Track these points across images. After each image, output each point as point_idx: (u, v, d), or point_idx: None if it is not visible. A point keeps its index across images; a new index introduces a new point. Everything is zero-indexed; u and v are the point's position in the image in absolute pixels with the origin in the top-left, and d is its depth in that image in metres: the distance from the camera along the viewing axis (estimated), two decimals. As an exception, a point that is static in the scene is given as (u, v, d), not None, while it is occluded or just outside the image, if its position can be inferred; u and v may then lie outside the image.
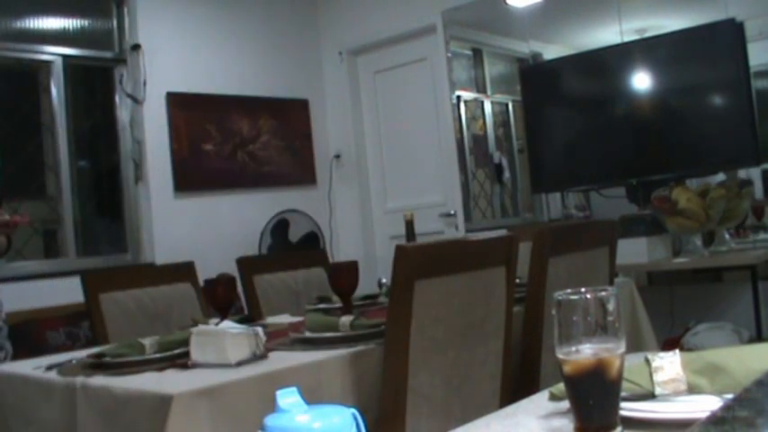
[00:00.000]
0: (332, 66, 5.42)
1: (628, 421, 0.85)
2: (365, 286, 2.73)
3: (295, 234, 4.89)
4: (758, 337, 3.39)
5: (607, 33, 4.21)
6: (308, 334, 1.89)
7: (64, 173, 4.15)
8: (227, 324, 1.87)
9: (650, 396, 0.95)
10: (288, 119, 5.17)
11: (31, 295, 3.75)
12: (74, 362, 1.88)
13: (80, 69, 4.44)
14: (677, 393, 0.96)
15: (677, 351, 1.01)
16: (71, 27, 4.34)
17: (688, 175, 3.89)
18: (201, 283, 2.58)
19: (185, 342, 1.76)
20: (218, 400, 1.48)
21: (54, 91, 4.18)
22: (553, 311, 0.84)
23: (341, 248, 5.27)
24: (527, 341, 2.11)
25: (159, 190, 4.46)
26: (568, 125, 4.38)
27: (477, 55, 5.10)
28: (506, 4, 4.64)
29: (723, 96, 3.77)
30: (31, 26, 4.18)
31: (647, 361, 1.00)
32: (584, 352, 0.81)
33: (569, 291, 0.83)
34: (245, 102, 4.92)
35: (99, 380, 1.64)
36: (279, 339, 1.96)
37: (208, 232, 4.59)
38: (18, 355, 3.19)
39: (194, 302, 2.74)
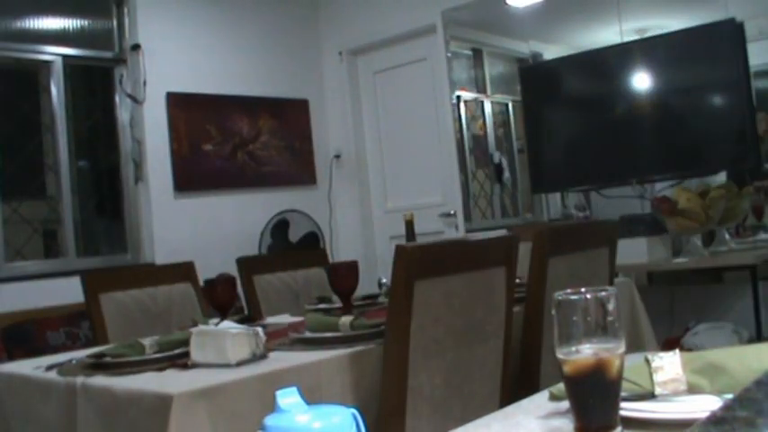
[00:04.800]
0: (332, 66, 5.42)
1: (628, 421, 0.85)
2: (365, 286, 2.73)
3: (295, 234, 4.89)
4: (758, 337, 3.39)
5: (607, 33, 4.22)
6: (308, 334, 1.89)
7: (64, 173, 4.15)
8: (227, 324, 1.87)
9: (650, 396, 0.95)
10: (288, 119, 5.17)
11: (31, 295, 3.75)
12: (74, 362, 1.88)
13: (80, 69, 4.44)
14: (677, 393, 0.96)
15: (677, 351, 1.01)
16: (71, 27, 4.34)
17: (688, 176, 3.89)
18: (201, 283, 2.59)
19: (185, 342, 1.76)
20: (218, 400, 1.48)
21: (54, 91, 4.17)
22: (553, 311, 0.84)
23: (341, 248, 5.27)
24: (527, 341, 2.11)
25: (159, 190, 4.46)
26: (568, 125, 4.38)
27: (477, 55, 5.10)
28: (506, 4, 4.65)
29: (723, 96, 3.77)
30: (31, 26, 4.18)
31: (647, 361, 1.00)
32: (584, 352, 0.81)
33: (569, 291, 0.83)
34: (245, 102, 4.92)
35: (99, 380, 1.64)
36: (279, 339, 1.96)
37: (208, 232, 4.59)
38: (17, 355, 3.19)
39: (194, 302, 2.74)
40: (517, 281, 2.08)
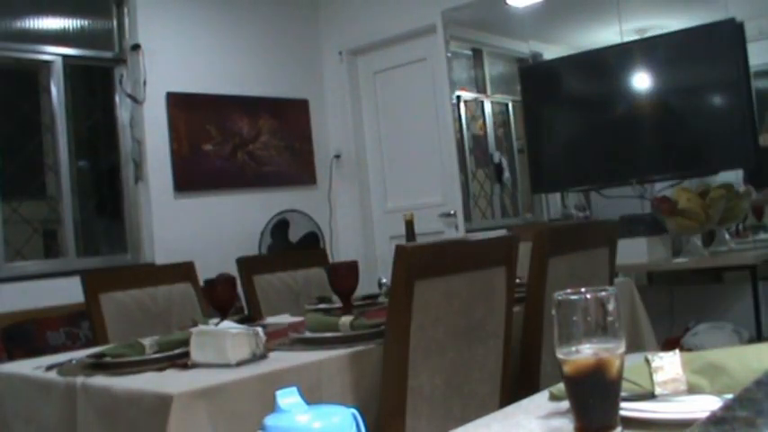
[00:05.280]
0: (332, 66, 5.42)
1: (628, 421, 0.85)
2: (365, 286, 2.73)
3: (295, 234, 4.89)
4: (758, 337, 3.40)
5: (607, 33, 4.21)
6: (308, 334, 1.89)
7: (64, 173, 4.15)
8: (227, 324, 1.87)
9: (650, 396, 0.95)
10: (288, 119, 5.17)
11: (31, 295, 3.75)
12: (74, 362, 1.88)
13: (80, 69, 4.44)
14: (677, 393, 0.96)
15: (677, 351, 1.01)
16: (71, 27, 4.34)
17: (688, 176, 3.89)
18: (201, 283, 2.58)
19: (185, 342, 1.76)
20: (218, 400, 1.48)
21: (54, 91, 4.17)
22: (553, 311, 0.84)
23: (341, 248, 5.27)
24: (527, 341, 2.11)
25: (159, 190, 4.46)
26: (568, 125, 4.38)
27: (477, 55, 5.10)
28: (506, 4, 4.64)
29: (723, 96, 3.77)
30: (31, 26, 4.18)
31: (647, 361, 1.00)
32: (584, 352, 0.81)
33: (569, 291, 0.83)
34: (245, 102, 4.92)
35: (99, 380, 1.64)
36: (279, 339, 1.96)
37: (208, 232, 4.59)
38: (17, 355, 3.19)
39: (194, 302, 2.74)
40: (517, 281, 2.08)
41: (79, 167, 4.42)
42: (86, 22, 4.41)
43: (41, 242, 4.30)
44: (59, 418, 1.70)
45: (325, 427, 0.78)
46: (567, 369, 0.82)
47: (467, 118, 4.99)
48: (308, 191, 5.23)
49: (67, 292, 3.26)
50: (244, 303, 3.09)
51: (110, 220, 4.55)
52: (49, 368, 1.84)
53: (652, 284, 4.05)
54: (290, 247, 4.79)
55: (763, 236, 3.85)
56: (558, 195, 4.73)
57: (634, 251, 3.58)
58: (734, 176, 3.83)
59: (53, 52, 4.19)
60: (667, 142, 3.87)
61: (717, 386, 0.95)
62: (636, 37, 4.12)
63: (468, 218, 4.84)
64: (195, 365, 1.67)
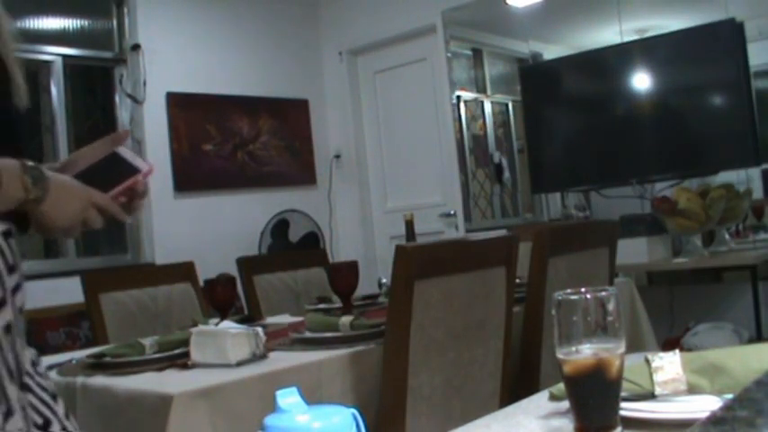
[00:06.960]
0: (332, 66, 5.42)
1: (628, 421, 0.85)
2: (365, 286, 2.73)
3: (295, 234, 4.89)
4: (758, 337, 3.40)
5: (607, 33, 4.22)
6: (308, 334, 1.89)
7: (64, 173, 4.15)
8: (227, 324, 1.87)
9: (650, 396, 0.95)
10: (288, 119, 5.17)
11: (31, 295, 3.72)
12: (74, 362, 1.88)
13: (80, 69, 4.44)
14: (677, 393, 0.96)
15: (677, 351, 1.01)
16: (71, 27, 4.34)
17: (688, 175, 3.89)
18: (201, 283, 2.59)
19: (185, 342, 1.76)
20: (218, 400, 1.48)
21: (54, 91, 4.17)
22: (553, 311, 0.84)
23: (341, 248, 5.27)
24: (527, 341, 2.11)
25: (159, 190, 4.46)
26: (568, 125, 4.38)
27: (477, 55, 5.10)
28: (506, 4, 4.64)
29: (723, 96, 3.77)
30: (31, 26, 4.18)
31: (647, 361, 1.00)
32: (584, 352, 0.81)
33: (569, 291, 0.83)
34: (245, 102, 4.92)
35: (99, 380, 1.64)
36: (279, 339, 1.96)
37: (208, 232, 4.59)
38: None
39: (194, 302, 2.74)
40: (517, 281, 2.08)
41: (79, 167, 4.41)
42: (86, 22, 4.41)
43: (41, 242, 4.30)
44: (59, 418, 1.70)
45: (325, 427, 0.78)
46: (567, 369, 0.82)
47: (467, 118, 4.99)
48: (308, 191, 5.23)
49: (67, 292, 3.26)
50: (244, 303, 3.09)
51: (110, 219, 4.54)
52: (49, 368, 1.84)
53: (652, 284, 4.05)
54: (290, 247, 4.79)
55: (763, 236, 3.85)
56: (558, 195, 4.73)
57: (634, 251, 3.58)
58: (734, 176, 3.83)
59: (53, 52, 4.19)
60: (667, 142, 3.87)
61: (717, 386, 0.95)
62: (636, 37, 4.12)
63: (468, 218, 4.84)
64: (195, 365, 1.67)
